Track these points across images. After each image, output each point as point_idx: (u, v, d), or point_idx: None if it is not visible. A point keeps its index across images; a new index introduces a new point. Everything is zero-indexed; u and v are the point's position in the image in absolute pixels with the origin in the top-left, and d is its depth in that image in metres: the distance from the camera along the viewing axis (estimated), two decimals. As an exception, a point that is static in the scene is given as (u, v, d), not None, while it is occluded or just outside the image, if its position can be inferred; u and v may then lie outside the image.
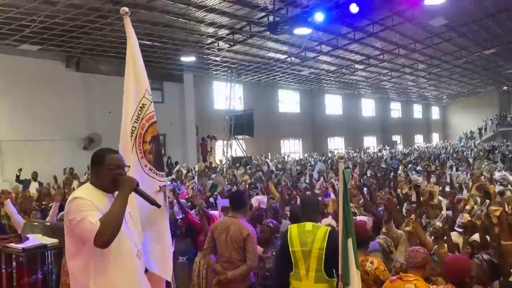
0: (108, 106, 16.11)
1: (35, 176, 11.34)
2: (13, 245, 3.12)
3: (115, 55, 15.47)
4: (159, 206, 2.74)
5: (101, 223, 2.27)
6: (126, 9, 3.17)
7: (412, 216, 4.20)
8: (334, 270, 3.22)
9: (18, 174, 11.26)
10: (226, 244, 3.99)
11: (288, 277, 3.36)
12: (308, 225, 3.37)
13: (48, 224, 4.03)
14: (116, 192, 2.51)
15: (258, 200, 5.62)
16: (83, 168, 12.43)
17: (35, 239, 3.16)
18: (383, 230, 4.33)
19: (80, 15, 11.27)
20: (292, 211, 4.91)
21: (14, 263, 3.20)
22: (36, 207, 6.33)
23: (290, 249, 3.31)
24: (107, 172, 2.53)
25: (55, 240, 3.22)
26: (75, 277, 2.44)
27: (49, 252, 3.26)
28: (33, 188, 10.46)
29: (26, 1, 10.01)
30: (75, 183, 10.84)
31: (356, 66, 21.73)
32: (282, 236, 3.59)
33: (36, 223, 3.94)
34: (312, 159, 20.19)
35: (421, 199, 4.60)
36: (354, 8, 9.21)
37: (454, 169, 11.61)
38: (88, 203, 2.36)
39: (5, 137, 12.81)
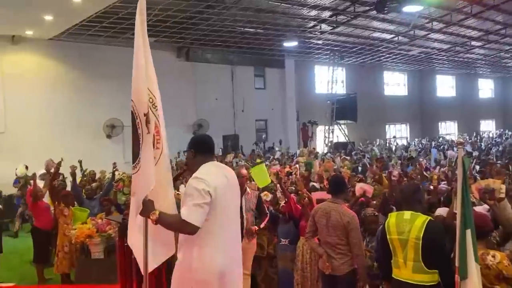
0: (215, 93, 16.95)
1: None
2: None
3: (220, 44, 16.13)
4: None
5: None
6: None
7: None
8: (434, 262, 3.08)
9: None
10: (326, 228, 3.99)
11: (390, 264, 3.33)
12: (407, 214, 3.27)
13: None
14: None
15: (363, 188, 5.31)
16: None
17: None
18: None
19: (190, 7, 11.92)
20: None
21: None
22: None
23: (388, 237, 3.28)
24: None
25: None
26: None
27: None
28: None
29: (143, -4, 10.85)
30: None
31: (473, 43, 19.86)
32: (383, 223, 3.51)
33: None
34: (421, 145, 19.05)
35: None
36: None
37: None
38: None
39: (125, 123, 14.05)
